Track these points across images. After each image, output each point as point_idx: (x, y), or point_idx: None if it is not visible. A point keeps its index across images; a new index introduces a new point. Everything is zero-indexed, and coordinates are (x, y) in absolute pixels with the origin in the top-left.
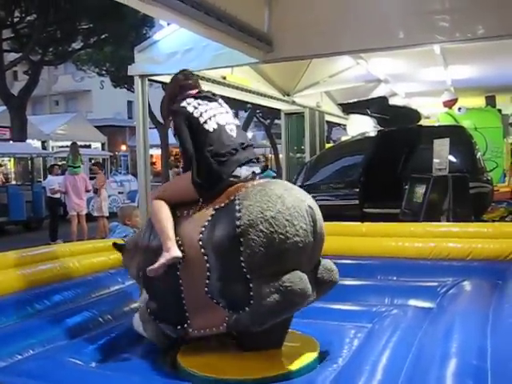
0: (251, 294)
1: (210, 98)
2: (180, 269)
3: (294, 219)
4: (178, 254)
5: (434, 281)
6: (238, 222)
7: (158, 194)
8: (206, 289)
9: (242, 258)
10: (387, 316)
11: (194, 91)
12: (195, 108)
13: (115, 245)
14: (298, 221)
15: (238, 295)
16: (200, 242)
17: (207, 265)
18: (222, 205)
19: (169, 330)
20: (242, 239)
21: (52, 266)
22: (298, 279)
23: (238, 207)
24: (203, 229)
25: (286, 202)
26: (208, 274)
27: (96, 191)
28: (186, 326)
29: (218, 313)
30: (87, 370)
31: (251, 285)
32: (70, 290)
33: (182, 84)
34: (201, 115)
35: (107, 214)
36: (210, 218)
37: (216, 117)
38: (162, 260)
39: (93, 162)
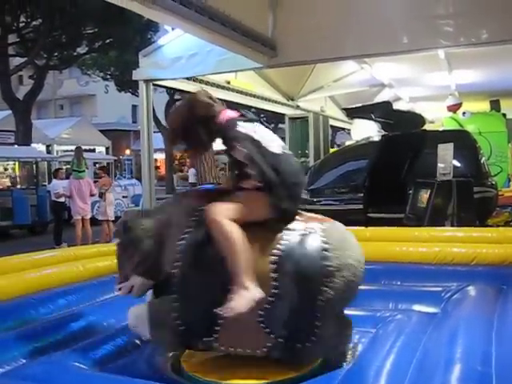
0: (315, 331)
1: (253, 119)
2: None
3: (363, 267)
4: (261, 294)
5: (439, 286)
6: (326, 262)
7: (227, 213)
8: (262, 312)
9: (320, 297)
10: (391, 321)
11: (235, 114)
12: (255, 132)
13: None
14: (363, 268)
15: (302, 329)
16: (273, 265)
17: (274, 290)
18: (301, 232)
19: (192, 339)
20: (327, 280)
21: (57, 270)
22: (351, 325)
23: (324, 245)
24: (278, 251)
25: (361, 251)
26: (271, 299)
27: (101, 195)
28: (212, 339)
29: (259, 337)
30: (92, 375)
31: (317, 323)
32: (74, 294)
33: (215, 111)
34: (262, 139)
35: (113, 218)
36: (287, 243)
37: (274, 139)
38: (241, 301)
39: (97, 165)
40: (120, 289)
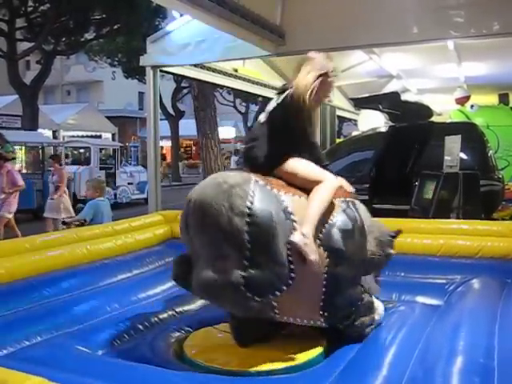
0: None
1: None
2: None
3: None
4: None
5: (443, 278)
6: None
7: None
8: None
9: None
10: (394, 312)
11: None
12: None
13: None
14: None
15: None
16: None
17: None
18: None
19: None
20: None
21: (60, 253)
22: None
23: None
24: None
25: None
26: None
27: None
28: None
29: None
30: (93, 358)
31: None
32: (77, 277)
33: None
34: None
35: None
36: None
37: None
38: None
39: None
40: None
